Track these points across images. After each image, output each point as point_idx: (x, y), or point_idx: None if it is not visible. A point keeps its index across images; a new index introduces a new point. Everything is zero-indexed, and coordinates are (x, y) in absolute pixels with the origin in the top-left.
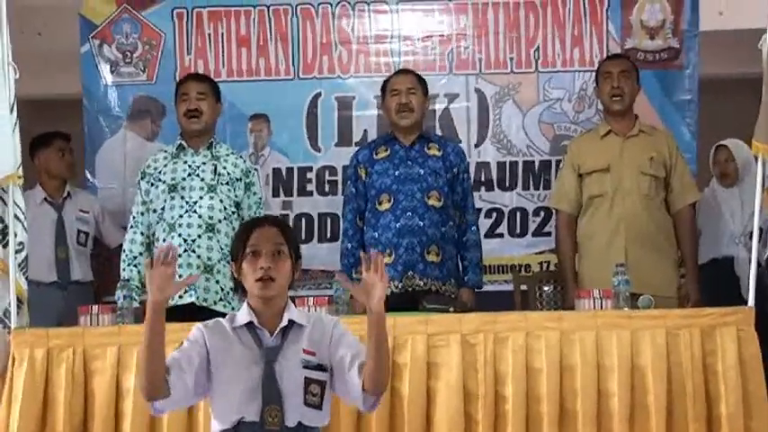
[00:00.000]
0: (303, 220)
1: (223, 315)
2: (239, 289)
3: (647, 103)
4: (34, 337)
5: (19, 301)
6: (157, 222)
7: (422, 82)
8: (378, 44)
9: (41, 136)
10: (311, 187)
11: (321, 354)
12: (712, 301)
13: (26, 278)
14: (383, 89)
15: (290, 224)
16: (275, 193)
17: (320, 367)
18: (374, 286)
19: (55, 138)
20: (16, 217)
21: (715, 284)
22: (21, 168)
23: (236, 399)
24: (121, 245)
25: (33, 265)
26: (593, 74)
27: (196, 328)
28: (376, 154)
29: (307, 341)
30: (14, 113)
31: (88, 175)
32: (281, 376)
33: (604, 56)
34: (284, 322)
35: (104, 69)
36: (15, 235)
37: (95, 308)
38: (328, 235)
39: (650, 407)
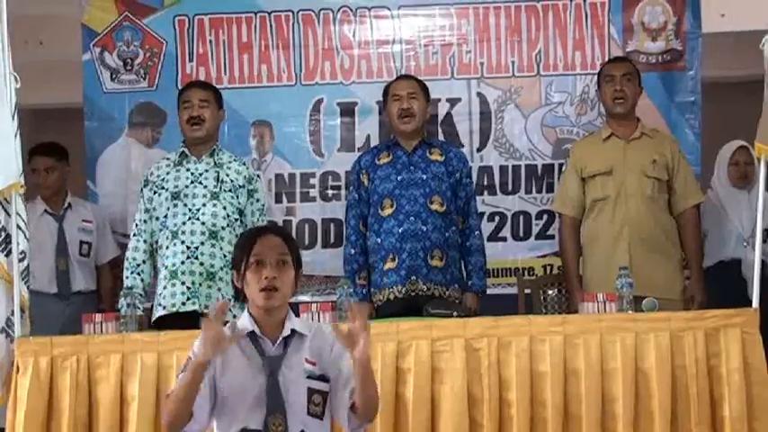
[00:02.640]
0: (306, 226)
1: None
2: (240, 297)
3: (650, 105)
4: (38, 345)
5: (21, 309)
6: (160, 230)
7: (423, 87)
8: (379, 49)
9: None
10: (314, 193)
11: (322, 364)
12: (720, 303)
13: (28, 287)
14: (385, 94)
15: (293, 230)
16: (278, 200)
17: (322, 378)
18: (358, 336)
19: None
20: (18, 226)
21: (722, 287)
22: (23, 177)
23: (240, 408)
24: (113, 259)
25: (35, 277)
26: (595, 77)
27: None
28: (378, 159)
29: (308, 351)
30: (15, 122)
31: (89, 183)
32: (285, 386)
33: (606, 59)
34: (287, 331)
35: (105, 77)
36: (18, 244)
37: (99, 316)
38: (332, 241)
39: (654, 410)
